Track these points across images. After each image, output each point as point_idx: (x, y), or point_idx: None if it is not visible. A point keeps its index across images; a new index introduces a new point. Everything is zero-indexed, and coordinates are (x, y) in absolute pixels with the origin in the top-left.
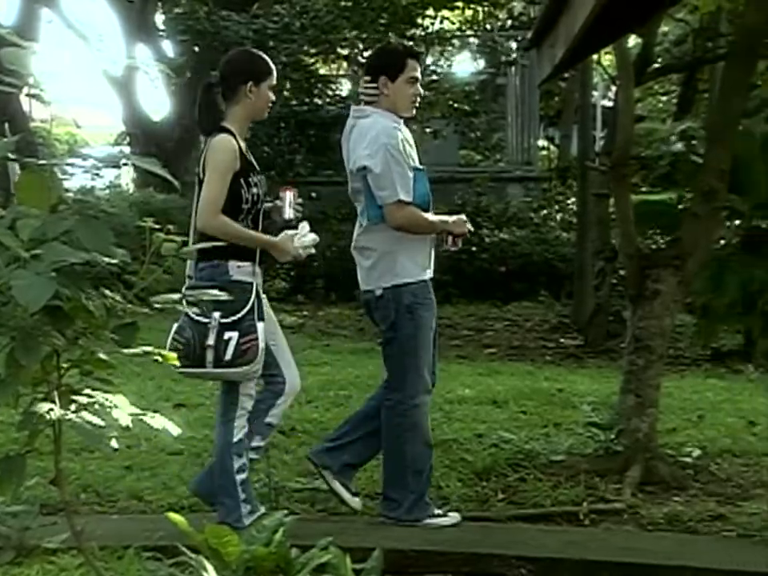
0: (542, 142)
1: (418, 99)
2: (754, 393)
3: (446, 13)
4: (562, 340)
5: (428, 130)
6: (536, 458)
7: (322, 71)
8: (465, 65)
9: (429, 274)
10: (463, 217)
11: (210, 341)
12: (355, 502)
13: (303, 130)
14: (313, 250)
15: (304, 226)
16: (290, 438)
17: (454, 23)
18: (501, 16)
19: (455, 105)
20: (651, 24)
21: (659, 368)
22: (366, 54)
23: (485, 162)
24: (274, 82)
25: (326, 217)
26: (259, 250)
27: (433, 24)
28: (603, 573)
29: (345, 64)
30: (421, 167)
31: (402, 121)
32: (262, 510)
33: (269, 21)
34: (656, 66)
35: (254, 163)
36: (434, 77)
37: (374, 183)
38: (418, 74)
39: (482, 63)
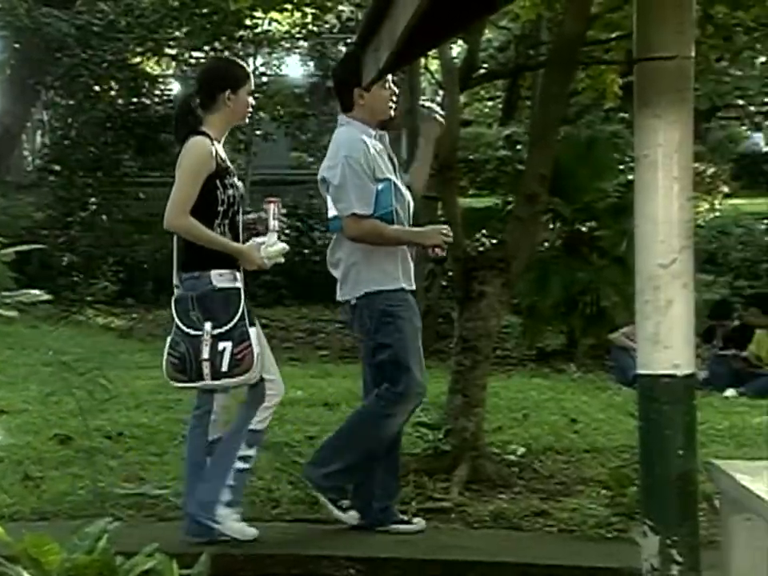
0: None
1: (394, 98)
2: (576, 391)
3: (274, 15)
4: None
5: (258, 132)
6: None
7: (149, 71)
8: (295, 68)
9: (406, 283)
10: (439, 227)
11: (205, 354)
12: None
13: (130, 129)
14: (281, 259)
15: (271, 236)
16: (117, 443)
17: (282, 26)
18: (329, 20)
19: (285, 107)
20: (474, 30)
21: (486, 368)
22: (194, 53)
23: (317, 164)
24: (252, 87)
25: (154, 219)
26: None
27: (261, 26)
28: (431, 571)
29: (173, 64)
30: (388, 178)
31: (374, 129)
32: (238, 510)
33: (93, 18)
34: (481, 71)
35: (231, 167)
36: (264, 79)
37: (332, 195)
38: (390, 75)
39: (312, 66)
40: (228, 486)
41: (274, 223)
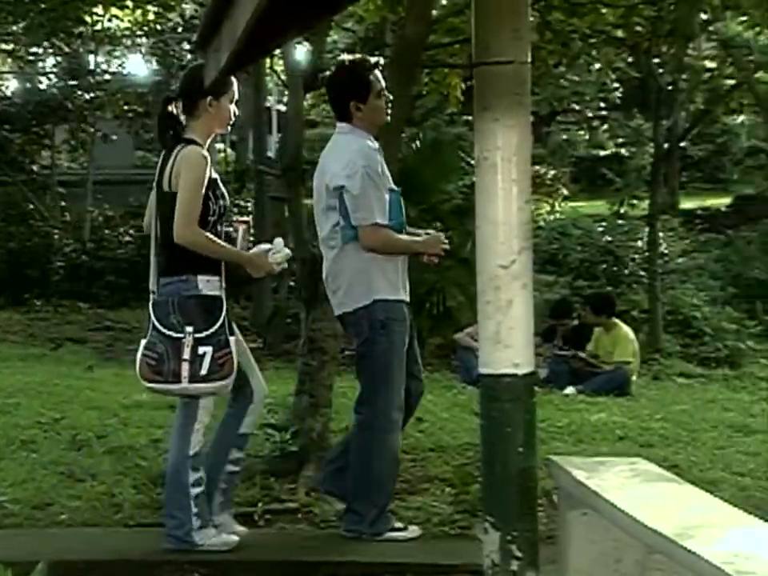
0: (219, 145)
1: (389, 105)
2: (424, 391)
3: (115, 12)
4: None
5: (99, 133)
6: None
7: None
8: (138, 66)
9: (403, 294)
10: (440, 236)
11: (186, 355)
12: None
13: None
14: (286, 265)
15: (279, 242)
16: None
17: (123, 22)
18: (173, 18)
19: (128, 106)
20: (318, 32)
21: (333, 368)
22: (32, 50)
23: None
24: (236, 96)
25: None
26: (224, 264)
27: (101, 23)
28: (279, 572)
29: (9, 60)
30: (395, 188)
31: (371, 139)
32: (213, 525)
33: None
34: (327, 73)
35: (217, 177)
36: (107, 77)
37: (351, 204)
38: (383, 84)
39: (155, 65)
40: (194, 513)
41: (242, 244)
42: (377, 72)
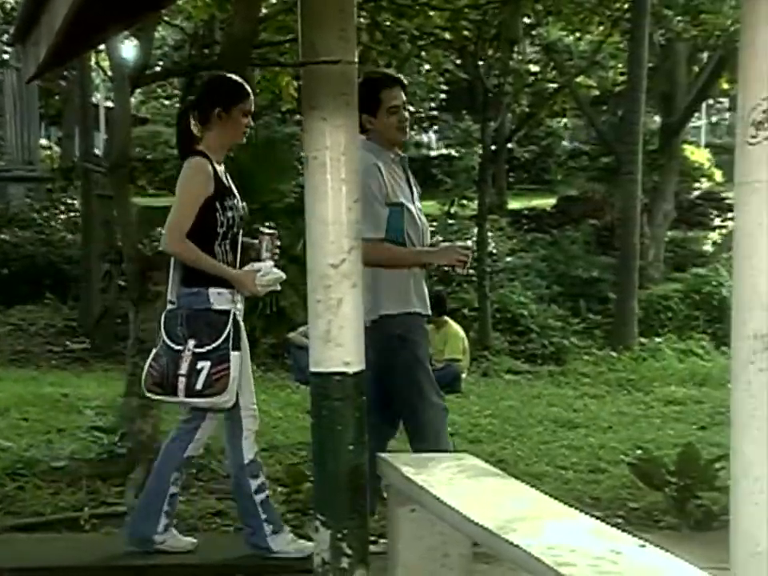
0: (44, 141)
1: (406, 125)
2: (255, 390)
3: None
4: (68, 344)
5: None
6: (36, 466)
7: None
8: None
9: (418, 306)
10: (454, 245)
11: (183, 370)
12: None
13: None
14: (278, 287)
15: (267, 265)
16: None
17: None
18: None
19: None
20: (145, 27)
21: None
22: None
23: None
24: (248, 107)
25: None
26: None
27: None
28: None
29: None
30: (401, 203)
31: (393, 152)
32: (287, 529)
33: None
34: (156, 69)
35: (232, 187)
36: None
37: None
38: (398, 102)
39: None
40: (264, 520)
41: (266, 255)
42: (394, 89)
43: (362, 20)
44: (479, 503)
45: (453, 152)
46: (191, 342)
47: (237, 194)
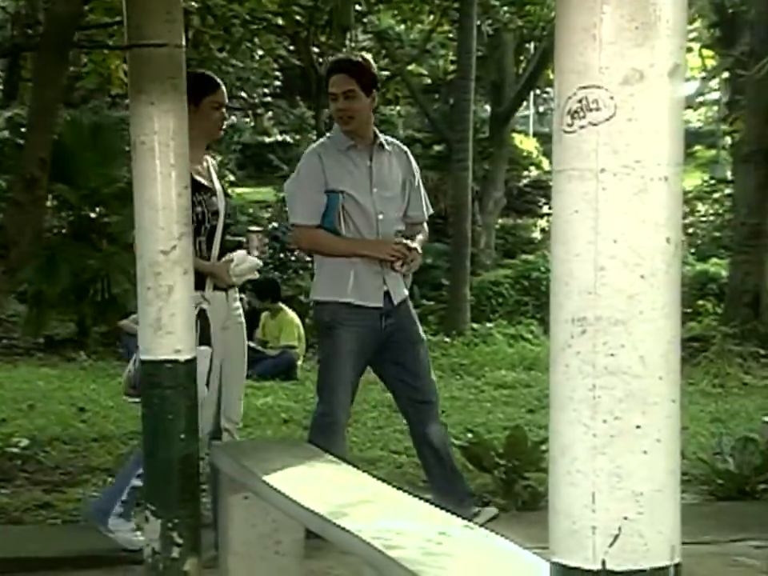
0: None
1: (344, 114)
2: (86, 379)
3: None
4: None
5: None
6: None
7: None
8: None
9: (354, 297)
10: (391, 240)
11: None
12: None
13: None
14: (255, 275)
15: (239, 254)
16: None
17: None
18: None
19: None
20: None
21: None
22: None
23: None
24: (220, 99)
25: None
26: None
27: None
28: None
29: None
30: (339, 189)
31: (359, 142)
32: (133, 523)
33: None
34: None
35: (203, 183)
36: None
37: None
38: (336, 89)
39: None
40: (122, 500)
41: (255, 253)
42: (336, 76)
43: (193, 3)
44: (312, 489)
45: (288, 138)
46: None
47: (215, 189)
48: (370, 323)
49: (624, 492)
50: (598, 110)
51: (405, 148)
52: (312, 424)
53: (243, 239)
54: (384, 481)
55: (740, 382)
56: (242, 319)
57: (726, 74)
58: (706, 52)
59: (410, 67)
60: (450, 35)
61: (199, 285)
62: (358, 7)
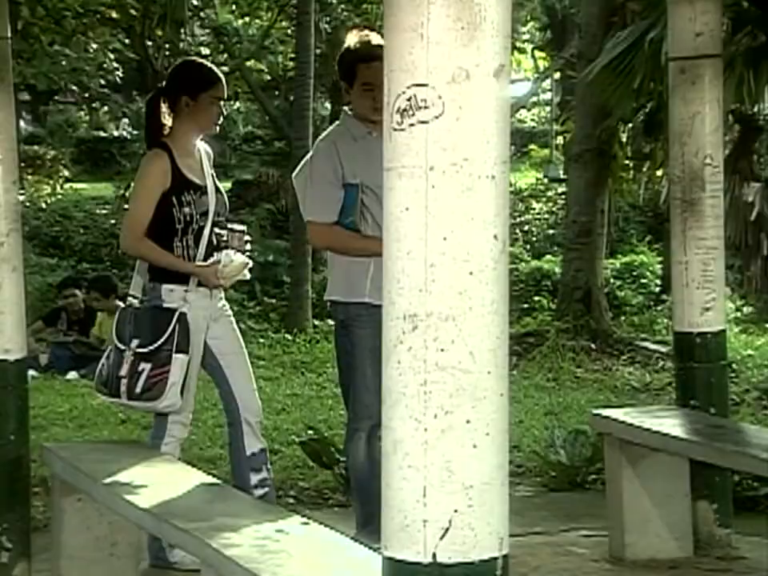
0: None
1: (379, 105)
2: None
3: None
4: None
5: None
6: None
7: None
8: None
9: (371, 297)
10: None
11: (123, 371)
12: None
13: None
14: (247, 275)
15: (226, 254)
16: None
17: None
18: None
19: None
20: None
21: None
22: None
23: None
24: (218, 93)
25: None
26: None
27: None
28: None
29: None
30: (356, 182)
31: (373, 128)
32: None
33: None
34: None
35: (194, 180)
36: None
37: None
38: (373, 80)
39: None
40: None
41: (236, 248)
42: (367, 65)
43: None
44: (148, 490)
45: (125, 133)
46: (134, 342)
47: (208, 187)
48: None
49: (455, 485)
50: (426, 108)
51: None
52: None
53: (223, 236)
54: (224, 480)
55: (572, 375)
56: (230, 313)
57: (557, 75)
58: (539, 53)
59: (248, 63)
60: (289, 32)
61: (179, 283)
62: (194, 1)
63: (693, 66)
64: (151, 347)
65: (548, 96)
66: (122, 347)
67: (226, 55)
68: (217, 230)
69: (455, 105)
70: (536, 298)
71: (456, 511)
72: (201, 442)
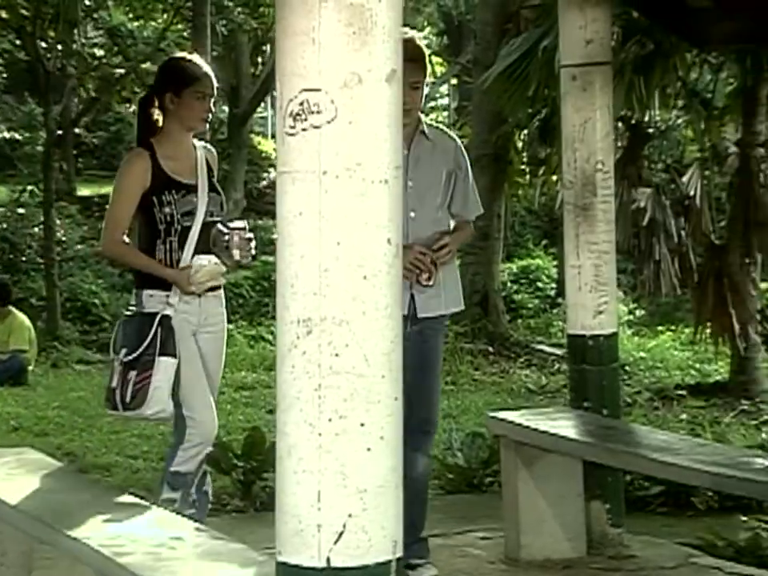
0: None
1: (405, 106)
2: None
3: None
4: None
5: None
6: None
7: None
8: None
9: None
10: (417, 246)
11: (114, 382)
12: None
13: None
14: (221, 281)
15: (198, 260)
16: None
17: None
18: None
19: None
20: None
21: None
22: None
23: None
24: (202, 88)
25: None
26: None
27: None
28: None
29: None
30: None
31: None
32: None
33: None
34: None
35: (179, 179)
36: None
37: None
38: (402, 78)
39: None
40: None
41: (236, 252)
42: (407, 63)
43: None
44: (39, 498)
45: (17, 135)
46: (122, 352)
47: (198, 187)
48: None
49: (349, 489)
50: (319, 112)
51: (454, 137)
52: None
53: (225, 236)
54: (119, 487)
55: (470, 378)
56: (223, 324)
57: (454, 81)
58: (436, 59)
59: (144, 66)
60: (185, 34)
61: (162, 287)
62: (87, 2)
63: (583, 73)
64: (135, 354)
65: (446, 101)
66: (114, 357)
67: (120, 57)
68: (220, 227)
69: (348, 109)
70: None
71: (350, 515)
72: (95, 449)
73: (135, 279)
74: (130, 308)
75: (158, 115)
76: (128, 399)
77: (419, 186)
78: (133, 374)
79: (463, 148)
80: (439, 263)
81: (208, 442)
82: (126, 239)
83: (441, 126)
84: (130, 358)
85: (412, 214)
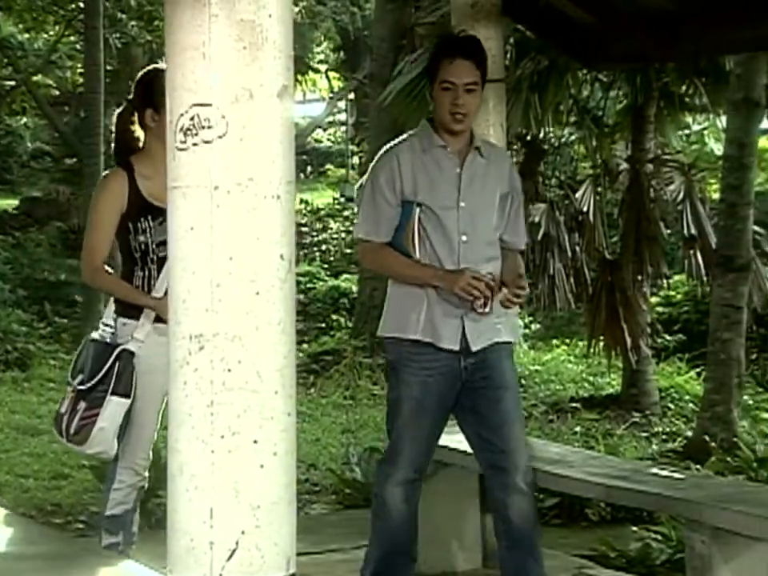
0: None
1: (460, 110)
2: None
3: None
4: None
5: None
6: None
7: None
8: None
9: (423, 334)
10: (469, 272)
11: (63, 408)
12: None
13: None
14: None
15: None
16: None
17: None
18: None
19: None
20: None
21: None
22: None
23: None
24: None
25: None
26: None
27: None
28: None
29: None
30: (412, 200)
31: (447, 142)
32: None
33: None
34: None
35: (158, 204)
36: None
37: None
38: (456, 79)
39: None
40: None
41: None
42: (450, 61)
43: None
44: None
45: None
46: (78, 378)
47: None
48: (443, 365)
49: (242, 506)
50: (210, 127)
51: (507, 154)
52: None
53: None
54: (8, 507)
55: (369, 393)
56: None
57: (352, 96)
58: (333, 74)
59: (35, 78)
60: (78, 47)
61: (135, 317)
62: None
63: None
64: (87, 385)
65: (344, 117)
66: (68, 381)
67: (10, 69)
68: None
69: (239, 124)
70: (333, 317)
71: (243, 532)
72: None
73: (114, 304)
74: (104, 329)
75: (138, 132)
76: (72, 431)
77: (472, 208)
78: (82, 405)
79: (515, 168)
80: (515, 302)
81: (140, 477)
82: (107, 267)
83: (493, 141)
84: (83, 388)
85: (464, 238)
